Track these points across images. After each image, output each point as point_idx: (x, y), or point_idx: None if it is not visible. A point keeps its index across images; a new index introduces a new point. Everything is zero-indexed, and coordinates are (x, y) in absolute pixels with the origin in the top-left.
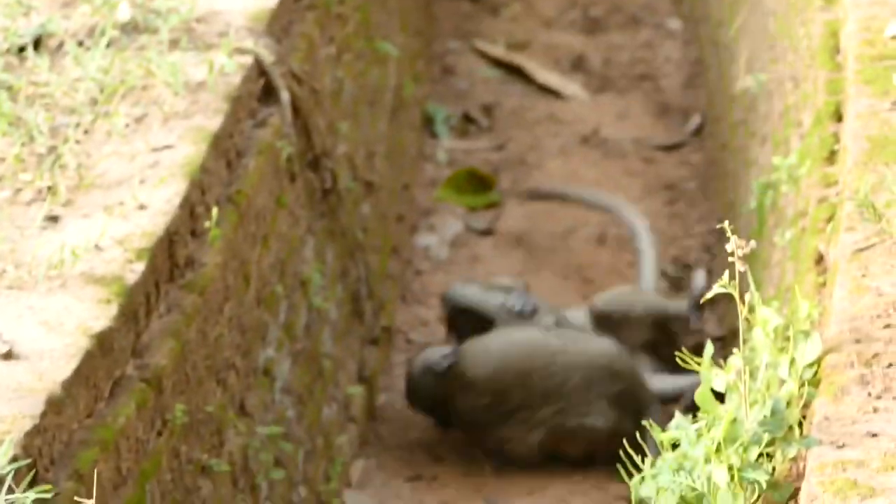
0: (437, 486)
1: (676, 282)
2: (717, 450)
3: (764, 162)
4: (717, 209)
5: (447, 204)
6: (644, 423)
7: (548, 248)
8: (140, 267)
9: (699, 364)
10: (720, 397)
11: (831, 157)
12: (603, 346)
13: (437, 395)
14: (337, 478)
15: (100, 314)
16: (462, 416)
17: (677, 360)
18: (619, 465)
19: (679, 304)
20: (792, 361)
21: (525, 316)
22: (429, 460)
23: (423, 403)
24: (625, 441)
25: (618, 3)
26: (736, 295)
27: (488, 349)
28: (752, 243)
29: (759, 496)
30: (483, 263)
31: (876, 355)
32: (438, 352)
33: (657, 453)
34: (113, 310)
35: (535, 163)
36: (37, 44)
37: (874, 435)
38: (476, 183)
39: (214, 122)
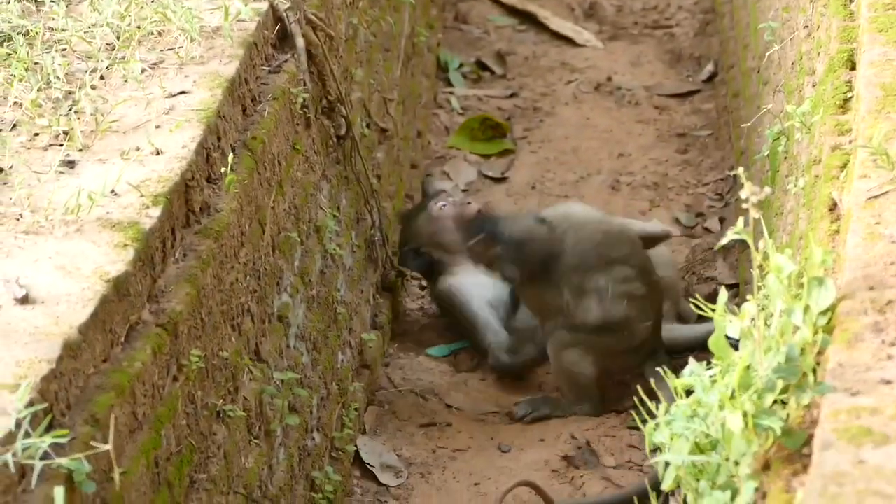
0: (451, 433)
1: (689, 230)
2: (732, 396)
3: (777, 110)
4: (730, 157)
5: (461, 151)
6: None
7: (561, 194)
8: (156, 212)
9: (713, 311)
10: (734, 345)
11: (844, 104)
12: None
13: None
14: (351, 424)
15: (116, 259)
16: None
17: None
18: (632, 412)
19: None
20: (806, 308)
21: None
22: (442, 407)
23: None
24: None
25: None
26: (750, 242)
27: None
28: (767, 189)
29: (772, 443)
30: (497, 209)
31: (889, 302)
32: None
33: (671, 399)
34: (129, 255)
35: (548, 110)
36: None
37: (888, 382)
38: (489, 130)
39: (230, 68)
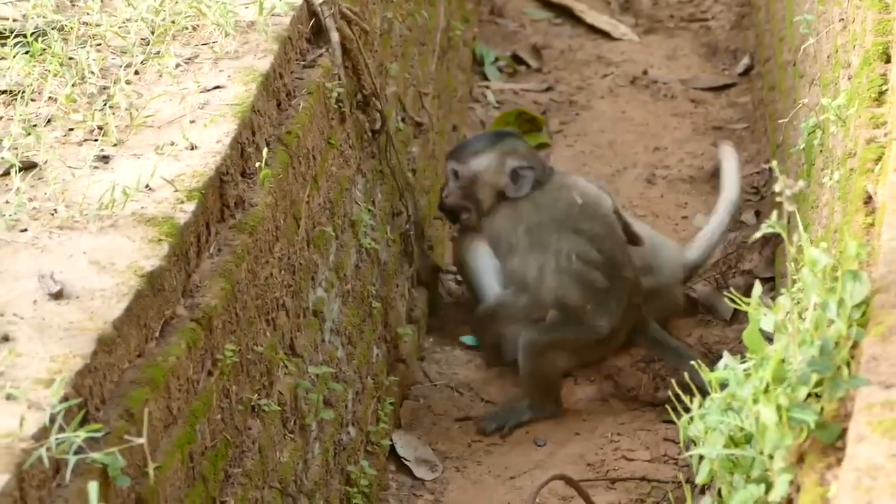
0: None
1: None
2: (766, 390)
3: (812, 103)
4: (766, 150)
5: None
6: None
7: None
8: (190, 207)
9: (747, 304)
10: (769, 338)
11: (880, 97)
12: None
13: None
14: (386, 418)
15: (150, 254)
16: None
17: None
18: (667, 406)
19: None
20: (840, 302)
21: None
22: (477, 401)
23: None
24: None
25: None
26: (784, 235)
27: None
28: (801, 183)
29: (807, 436)
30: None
31: None
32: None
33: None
34: (164, 249)
35: (583, 104)
36: None
37: None
38: (525, 124)
39: (265, 63)
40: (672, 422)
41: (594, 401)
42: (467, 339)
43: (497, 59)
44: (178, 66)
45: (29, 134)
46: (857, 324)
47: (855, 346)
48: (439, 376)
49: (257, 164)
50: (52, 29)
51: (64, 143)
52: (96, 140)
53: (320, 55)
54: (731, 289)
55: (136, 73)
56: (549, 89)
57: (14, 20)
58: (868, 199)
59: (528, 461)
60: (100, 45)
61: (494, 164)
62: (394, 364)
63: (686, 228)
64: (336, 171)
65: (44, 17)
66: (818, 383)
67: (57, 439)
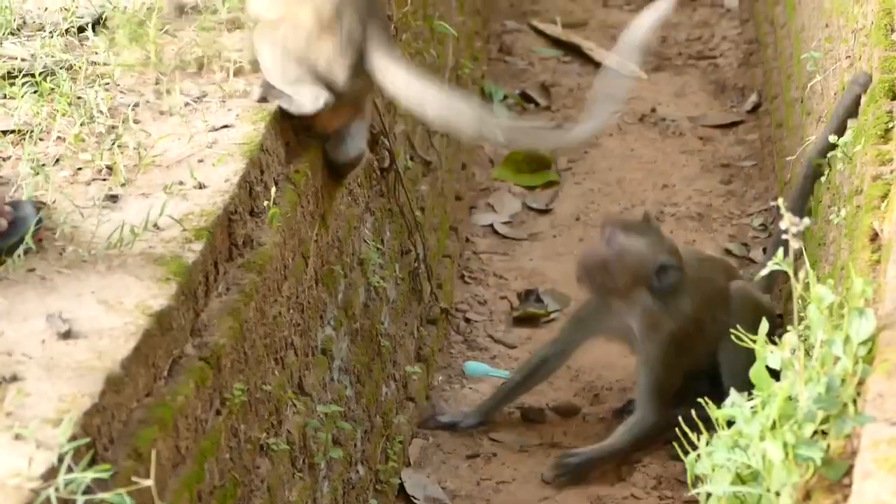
0: (495, 465)
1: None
2: (772, 427)
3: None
4: (774, 187)
5: (505, 183)
6: None
7: None
8: (199, 246)
9: (754, 342)
10: (775, 375)
11: (886, 134)
12: None
13: None
14: (395, 457)
15: (159, 293)
16: None
17: None
18: (674, 444)
19: None
20: (846, 339)
21: None
22: (486, 439)
23: None
24: None
25: None
26: (790, 272)
27: None
28: (806, 220)
29: (813, 473)
30: (541, 242)
31: None
32: None
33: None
34: (172, 289)
35: (592, 141)
36: (96, 24)
37: None
38: (534, 162)
39: (273, 102)
40: (680, 459)
41: (602, 438)
42: (470, 368)
43: (506, 97)
44: (186, 104)
45: (38, 173)
46: (864, 361)
47: (861, 382)
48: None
49: (265, 203)
50: (61, 68)
51: (72, 183)
52: (105, 179)
53: None
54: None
55: (145, 112)
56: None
57: (23, 59)
58: (874, 236)
59: (536, 499)
60: (108, 84)
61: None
62: (403, 402)
63: None
64: (345, 210)
65: (52, 56)
66: (824, 420)
67: (65, 479)
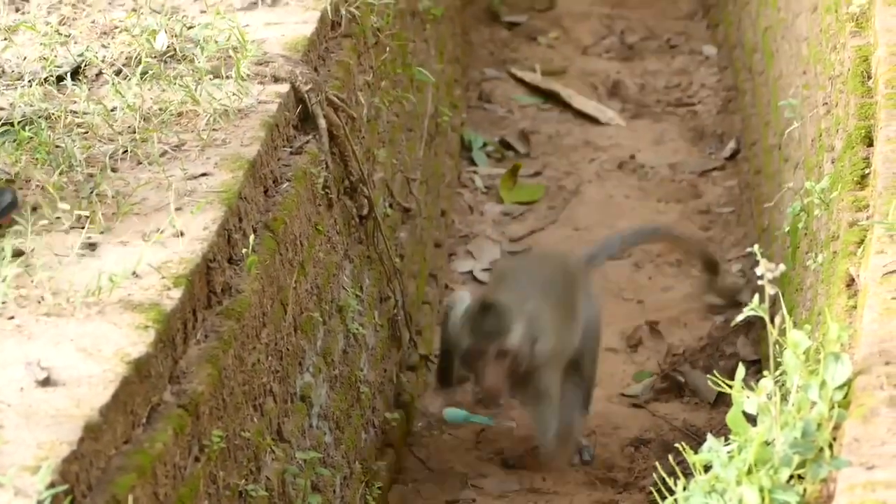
0: None
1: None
2: (749, 471)
3: (797, 186)
4: (753, 233)
5: (487, 230)
6: None
7: None
8: (177, 293)
9: (731, 387)
10: (752, 420)
11: (862, 181)
12: None
13: None
14: (375, 503)
15: (137, 340)
16: None
17: None
18: (652, 489)
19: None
20: (822, 384)
21: None
22: (466, 485)
23: None
24: None
25: (653, 29)
26: (766, 318)
27: None
28: (782, 266)
29: None
30: None
31: None
32: None
33: None
34: (150, 336)
35: (572, 188)
36: (75, 73)
37: None
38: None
39: (251, 150)
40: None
41: (582, 484)
42: (449, 415)
43: (485, 145)
44: (164, 153)
45: (16, 222)
46: (840, 405)
47: (837, 427)
48: (428, 461)
49: (244, 251)
50: (40, 117)
51: (51, 231)
52: (83, 228)
53: (307, 142)
54: (715, 371)
55: (123, 160)
56: (537, 174)
57: (1, 108)
58: (851, 282)
59: None
60: (87, 133)
61: None
62: (382, 448)
63: (670, 308)
64: (323, 257)
65: (31, 105)
66: (801, 465)
67: None
